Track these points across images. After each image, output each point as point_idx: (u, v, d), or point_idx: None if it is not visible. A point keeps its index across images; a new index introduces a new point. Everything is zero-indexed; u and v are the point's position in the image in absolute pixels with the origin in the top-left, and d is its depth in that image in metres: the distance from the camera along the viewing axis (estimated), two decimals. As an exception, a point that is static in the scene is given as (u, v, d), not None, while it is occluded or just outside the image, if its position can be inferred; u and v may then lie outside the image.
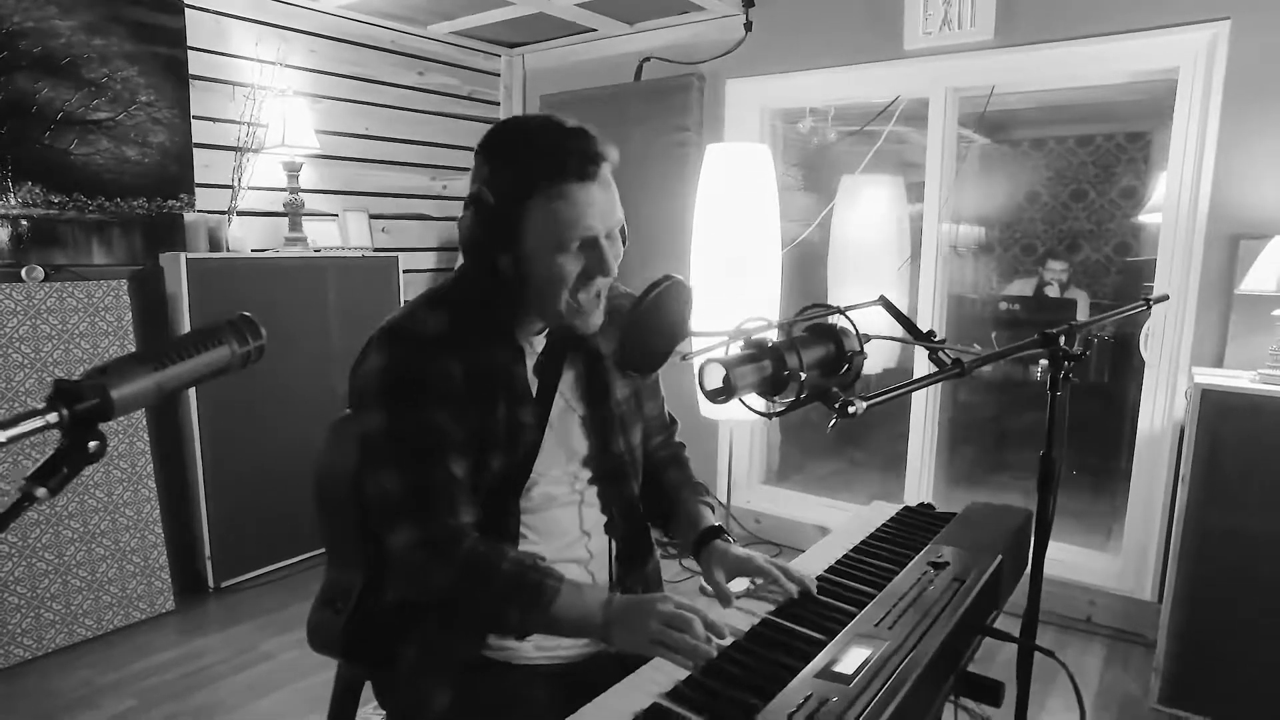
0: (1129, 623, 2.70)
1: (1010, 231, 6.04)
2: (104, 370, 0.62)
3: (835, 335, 0.86)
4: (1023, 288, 5.32)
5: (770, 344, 0.80)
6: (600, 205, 1.03)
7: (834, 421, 0.82)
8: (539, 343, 1.16)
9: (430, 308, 1.11)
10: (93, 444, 0.62)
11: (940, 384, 3.16)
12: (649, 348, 0.90)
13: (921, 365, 3.13)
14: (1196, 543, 2.20)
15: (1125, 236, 5.63)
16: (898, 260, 4.14)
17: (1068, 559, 2.89)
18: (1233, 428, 2.14)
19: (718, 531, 1.23)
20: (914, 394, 3.15)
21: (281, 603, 2.88)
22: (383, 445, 1.06)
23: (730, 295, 2.70)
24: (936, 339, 1.03)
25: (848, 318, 0.88)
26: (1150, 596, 2.66)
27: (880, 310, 1.16)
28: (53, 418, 0.59)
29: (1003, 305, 4.93)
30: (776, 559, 1.17)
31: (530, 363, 1.15)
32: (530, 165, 1.02)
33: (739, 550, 1.20)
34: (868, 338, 0.92)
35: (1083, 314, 4.79)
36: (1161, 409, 2.65)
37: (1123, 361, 4.24)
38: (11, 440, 0.56)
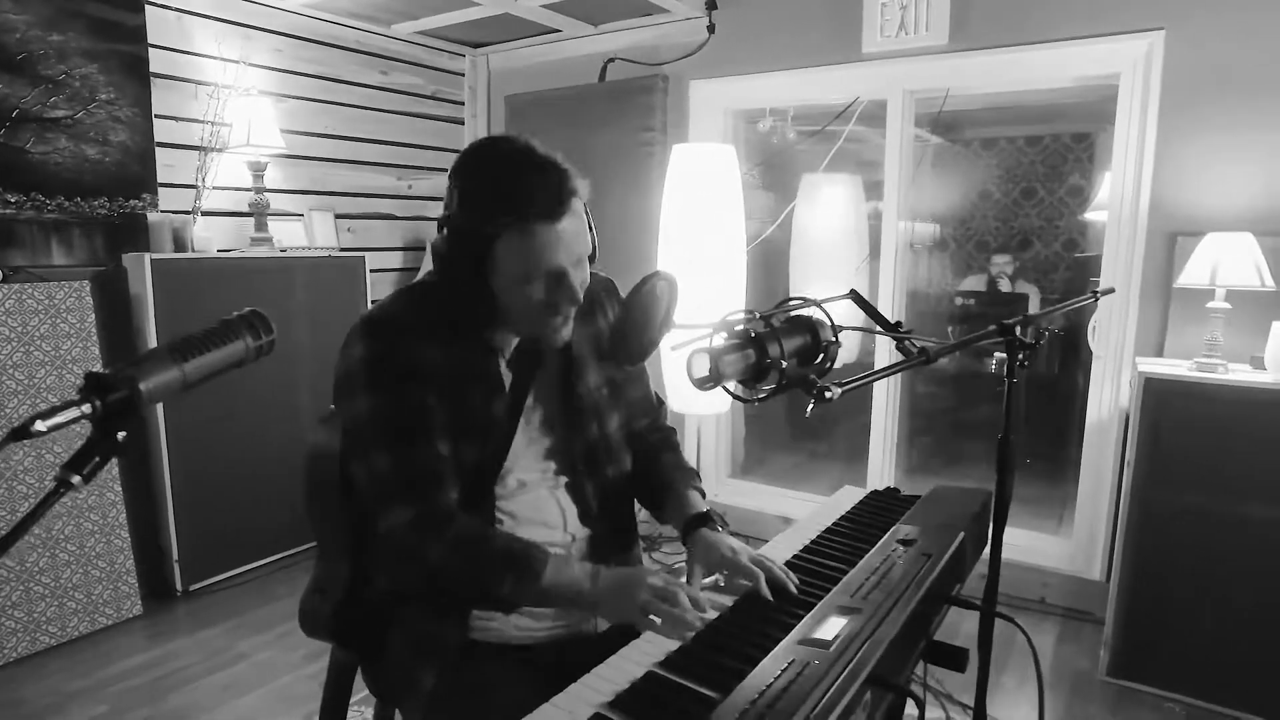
0: (1079, 601, 2.84)
1: (964, 228, 6.22)
2: (134, 363, 0.66)
3: (812, 326, 0.92)
4: (975, 283, 5.50)
5: (753, 334, 0.86)
6: (567, 240, 1.06)
7: (811, 406, 0.89)
8: (512, 337, 1.20)
9: (407, 302, 1.16)
10: (121, 434, 0.65)
11: (899, 377, 3.28)
12: (640, 339, 0.96)
13: (883, 358, 3.23)
14: (1141, 523, 2.33)
15: (1073, 233, 5.84)
16: (858, 257, 4.25)
17: (1022, 543, 3.01)
18: (1172, 413, 2.27)
19: (705, 519, 1.26)
20: (875, 386, 3.26)
21: (252, 604, 2.87)
22: (371, 429, 1.09)
23: (697, 292, 2.76)
24: (903, 330, 1.10)
25: (823, 310, 0.94)
26: (1099, 576, 2.80)
27: (848, 304, 1.23)
28: (87, 409, 0.62)
29: (958, 300, 5.10)
30: (761, 556, 1.17)
31: (504, 357, 1.19)
32: (500, 203, 1.04)
33: (725, 546, 1.17)
34: (841, 328, 0.98)
35: (1034, 308, 4.98)
36: (1109, 398, 2.79)
37: (1072, 354, 4.42)
38: (51, 430, 0.59)
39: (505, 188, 1.05)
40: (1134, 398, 2.34)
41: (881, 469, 3.30)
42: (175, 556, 2.87)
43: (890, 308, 3.18)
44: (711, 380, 0.83)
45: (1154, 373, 2.31)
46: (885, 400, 3.25)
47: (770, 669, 0.80)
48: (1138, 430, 2.32)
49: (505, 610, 1.13)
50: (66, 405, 0.61)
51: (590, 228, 1.13)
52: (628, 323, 0.94)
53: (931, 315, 5.41)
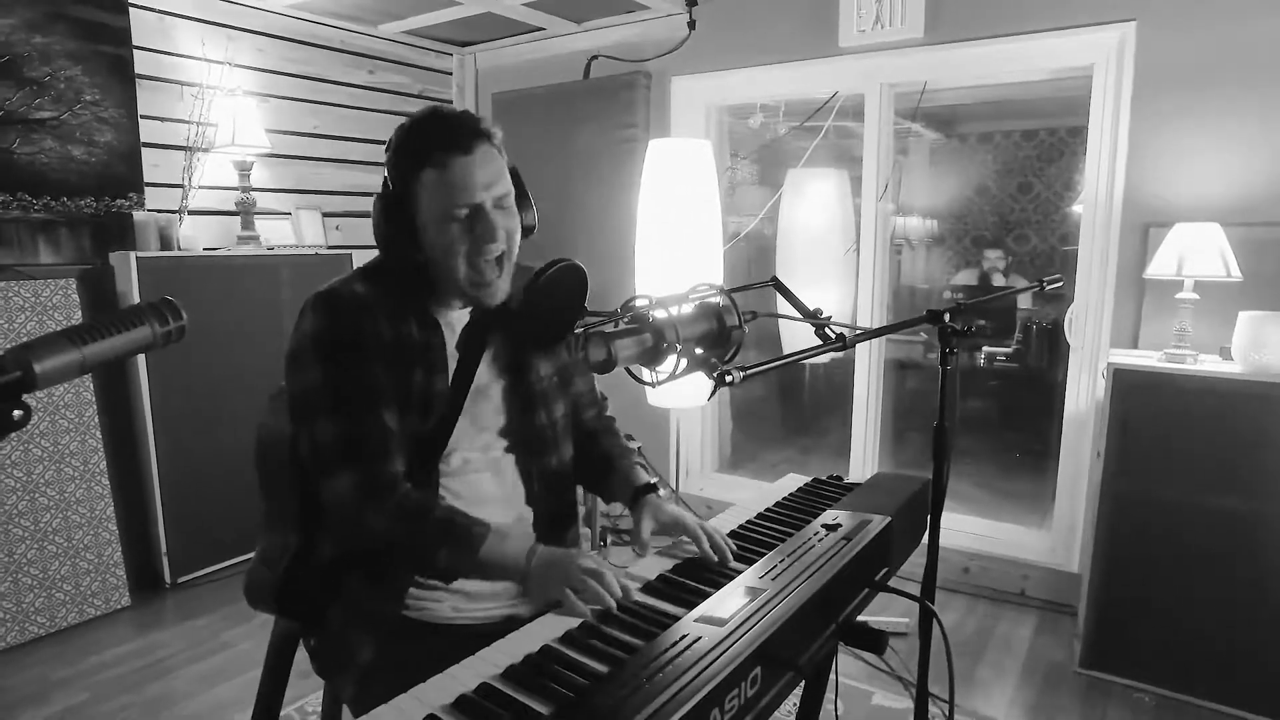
0: (1058, 594, 2.84)
1: (960, 223, 6.21)
2: (29, 345, 0.68)
3: (718, 312, 0.95)
4: (969, 277, 5.49)
5: (650, 319, 0.88)
6: (482, 176, 1.13)
7: (714, 391, 0.91)
8: (461, 318, 1.25)
9: (359, 278, 1.21)
10: (16, 413, 0.68)
11: (883, 372, 3.28)
12: (544, 322, 0.98)
13: (864, 355, 3.24)
14: (1112, 514, 2.33)
15: (1068, 226, 5.82)
16: (841, 251, 4.26)
17: (1005, 537, 3.02)
18: (1142, 404, 2.28)
19: (652, 488, 1.32)
20: (856, 379, 3.27)
21: (238, 596, 2.88)
22: (318, 398, 1.14)
23: (675, 286, 2.78)
24: (823, 316, 1.12)
25: (729, 297, 0.97)
26: (1077, 569, 2.80)
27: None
28: (-25, 387, 0.65)
29: (947, 294, 5.10)
30: (705, 521, 1.25)
31: (453, 337, 1.23)
32: (416, 146, 1.14)
33: (671, 508, 1.27)
34: (752, 315, 1.01)
35: (1024, 300, 4.97)
36: (1086, 390, 2.79)
37: (1056, 348, 4.41)
38: (-66, 407, 0.62)
39: (418, 136, 1.15)
40: (1105, 389, 2.35)
41: (864, 462, 3.31)
42: (164, 549, 2.93)
43: (871, 300, 3.19)
44: (608, 364, 0.85)
45: (1123, 364, 2.31)
46: (866, 396, 3.27)
47: (662, 644, 0.83)
48: (1108, 420, 2.32)
49: (445, 580, 1.15)
50: (-47, 384, 0.64)
51: (523, 190, 1.20)
52: (531, 309, 0.97)
53: (926, 310, 5.39)
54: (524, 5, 3.33)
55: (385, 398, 1.14)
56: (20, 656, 2.50)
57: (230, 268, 3.03)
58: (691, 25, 3.36)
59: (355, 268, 1.26)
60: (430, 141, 1.12)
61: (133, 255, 2.76)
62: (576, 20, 3.60)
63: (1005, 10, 2.72)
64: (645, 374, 0.93)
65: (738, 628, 0.85)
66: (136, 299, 2.76)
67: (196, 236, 3.07)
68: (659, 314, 0.92)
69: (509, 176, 1.18)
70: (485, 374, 1.26)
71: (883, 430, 3.35)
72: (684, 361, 0.90)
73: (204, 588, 2.99)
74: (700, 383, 3.10)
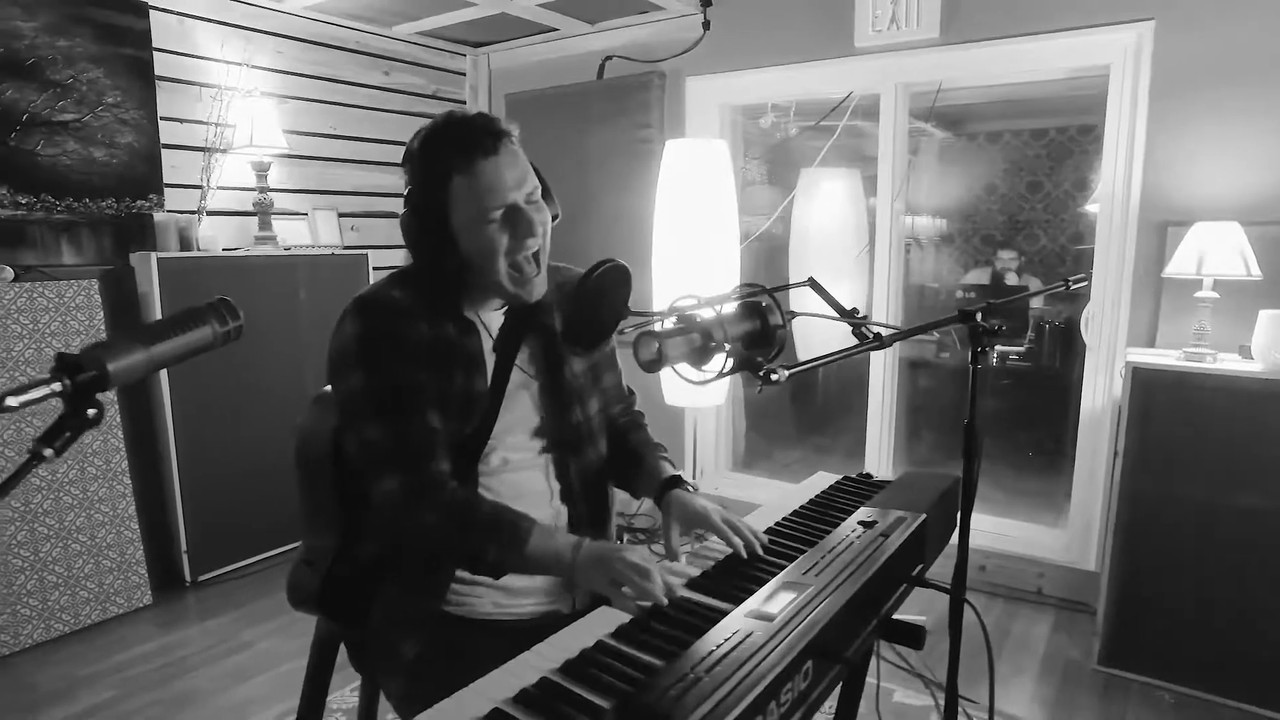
0: (1074, 592, 2.85)
1: (970, 223, 6.21)
2: (102, 345, 0.70)
3: (760, 312, 0.96)
4: (980, 277, 5.50)
5: (698, 319, 0.89)
6: (510, 175, 1.14)
7: (760, 388, 0.92)
8: (496, 319, 1.26)
9: (396, 283, 1.23)
10: (91, 411, 0.70)
11: (898, 372, 3.29)
12: (592, 324, 1.00)
13: (876, 355, 3.25)
14: (1131, 512, 2.34)
15: (1078, 226, 5.82)
16: (856, 250, 4.27)
17: (1020, 535, 3.03)
18: (1161, 402, 2.28)
19: (678, 481, 1.32)
20: (872, 379, 3.28)
21: (258, 595, 2.94)
22: (365, 401, 1.15)
23: (692, 286, 2.80)
24: (859, 316, 1.14)
25: (772, 296, 0.98)
26: (1094, 567, 2.81)
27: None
28: (56, 386, 0.67)
29: (959, 294, 5.10)
30: (730, 514, 1.25)
31: (489, 338, 1.24)
32: (440, 154, 1.14)
33: (698, 504, 1.26)
34: (792, 315, 1.02)
35: (1037, 299, 4.97)
36: (1102, 389, 2.80)
37: (1070, 346, 4.42)
38: (22, 405, 0.64)
39: (439, 143, 1.15)
40: (1123, 388, 2.35)
41: (879, 461, 3.32)
42: (184, 547, 2.95)
43: (885, 299, 3.20)
44: (657, 362, 0.87)
45: (1142, 363, 2.32)
46: (881, 394, 3.28)
47: (714, 639, 0.84)
48: (1127, 420, 2.33)
49: (493, 575, 1.16)
50: (38, 383, 0.66)
51: (543, 182, 1.21)
52: (578, 310, 0.98)
53: (939, 309, 5.41)
54: (538, 6, 3.34)
55: (429, 399, 1.16)
56: (46, 653, 2.52)
57: (249, 268, 3.05)
58: (706, 26, 3.37)
59: (390, 273, 1.26)
60: (454, 148, 1.13)
61: (153, 256, 2.78)
62: (590, 21, 3.62)
63: (1021, 10, 2.72)
64: (691, 373, 0.94)
65: (788, 623, 0.86)
66: (158, 300, 2.78)
67: (215, 237, 3.09)
68: (704, 313, 0.93)
69: (534, 172, 1.20)
70: (520, 373, 1.27)
71: (897, 428, 3.36)
72: (729, 360, 0.91)
73: (223, 586, 3.01)
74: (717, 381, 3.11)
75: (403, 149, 1.20)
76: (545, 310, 1.27)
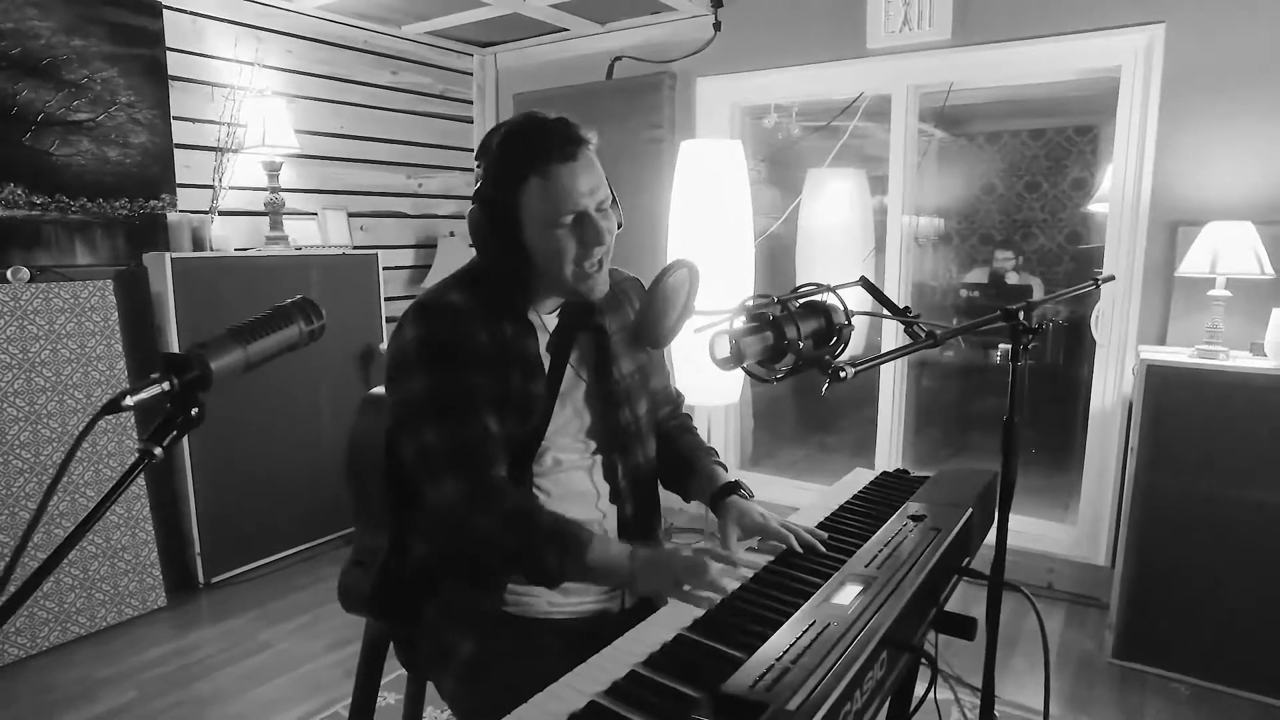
0: (1085, 587, 2.89)
1: (968, 222, 6.25)
2: (204, 345, 0.71)
3: (826, 310, 0.98)
4: (979, 276, 5.55)
5: (771, 318, 0.91)
6: (585, 182, 1.15)
7: (827, 385, 0.94)
8: (551, 321, 1.27)
9: (455, 287, 1.23)
10: (194, 409, 0.71)
11: (905, 370, 3.32)
12: (663, 324, 1.01)
13: (891, 345, 3.28)
14: (1144, 508, 2.38)
15: (1076, 225, 5.87)
16: (862, 251, 4.30)
17: (1029, 530, 3.06)
18: (1174, 400, 2.32)
19: (735, 486, 1.34)
20: (883, 378, 3.31)
21: (273, 595, 2.93)
22: (423, 406, 1.15)
23: (707, 286, 2.82)
24: (912, 314, 1.16)
25: (836, 295, 1.00)
26: (1104, 561, 2.85)
27: (860, 293, 1.28)
28: (165, 386, 0.68)
29: (963, 292, 5.15)
30: (788, 521, 1.27)
31: (543, 339, 1.25)
32: (519, 155, 1.15)
33: (756, 513, 1.28)
34: (855, 313, 1.04)
35: (1037, 297, 5.02)
36: (1112, 386, 2.83)
37: (1076, 344, 4.46)
38: (138, 404, 0.65)
39: (519, 144, 1.16)
40: (1136, 385, 2.39)
41: (889, 459, 3.35)
42: (198, 549, 2.94)
43: (897, 298, 3.21)
44: (733, 361, 0.88)
45: (1156, 360, 2.35)
46: (892, 391, 3.30)
47: (791, 631, 0.85)
48: (1140, 417, 2.36)
49: (550, 585, 1.16)
50: (149, 383, 0.67)
51: (611, 188, 1.21)
52: (652, 308, 1.00)
53: (938, 308, 5.45)
54: (550, 6, 3.35)
55: (487, 403, 1.16)
56: (64, 656, 2.51)
57: (261, 268, 3.04)
58: (717, 26, 3.39)
59: (447, 276, 1.26)
60: (534, 150, 1.14)
61: (167, 256, 2.77)
62: (601, 21, 3.62)
63: (1033, 12, 2.75)
64: (759, 370, 0.96)
65: (861, 614, 0.88)
66: (171, 300, 2.77)
67: (228, 237, 3.08)
68: (774, 311, 0.95)
69: (606, 181, 1.20)
70: (572, 374, 1.28)
71: (905, 425, 3.39)
72: (797, 359, 0.93)
73: (237, 587, 3.00)
74: (729, 379, 3.13)
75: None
76: (597, 311, 1.28)
